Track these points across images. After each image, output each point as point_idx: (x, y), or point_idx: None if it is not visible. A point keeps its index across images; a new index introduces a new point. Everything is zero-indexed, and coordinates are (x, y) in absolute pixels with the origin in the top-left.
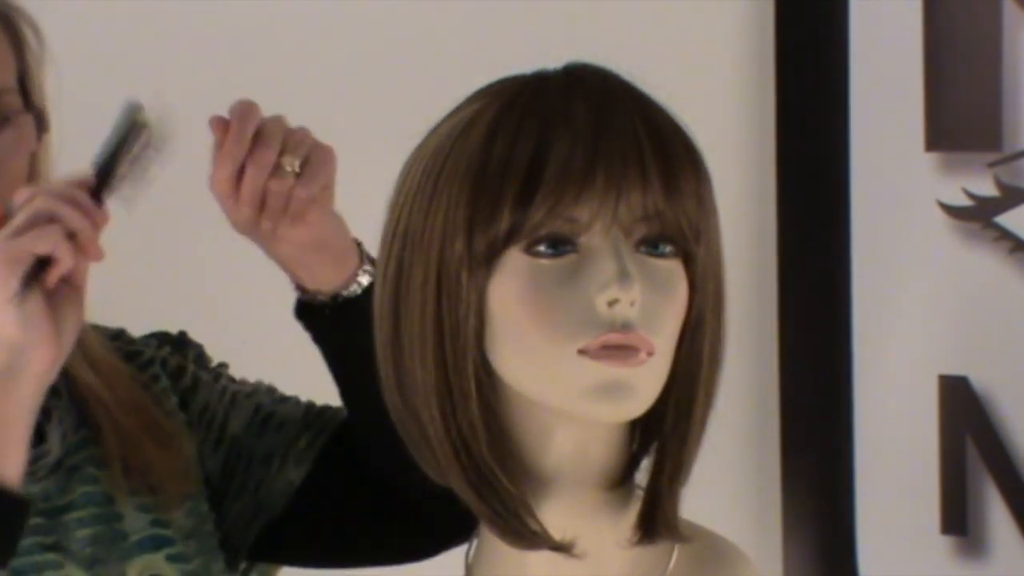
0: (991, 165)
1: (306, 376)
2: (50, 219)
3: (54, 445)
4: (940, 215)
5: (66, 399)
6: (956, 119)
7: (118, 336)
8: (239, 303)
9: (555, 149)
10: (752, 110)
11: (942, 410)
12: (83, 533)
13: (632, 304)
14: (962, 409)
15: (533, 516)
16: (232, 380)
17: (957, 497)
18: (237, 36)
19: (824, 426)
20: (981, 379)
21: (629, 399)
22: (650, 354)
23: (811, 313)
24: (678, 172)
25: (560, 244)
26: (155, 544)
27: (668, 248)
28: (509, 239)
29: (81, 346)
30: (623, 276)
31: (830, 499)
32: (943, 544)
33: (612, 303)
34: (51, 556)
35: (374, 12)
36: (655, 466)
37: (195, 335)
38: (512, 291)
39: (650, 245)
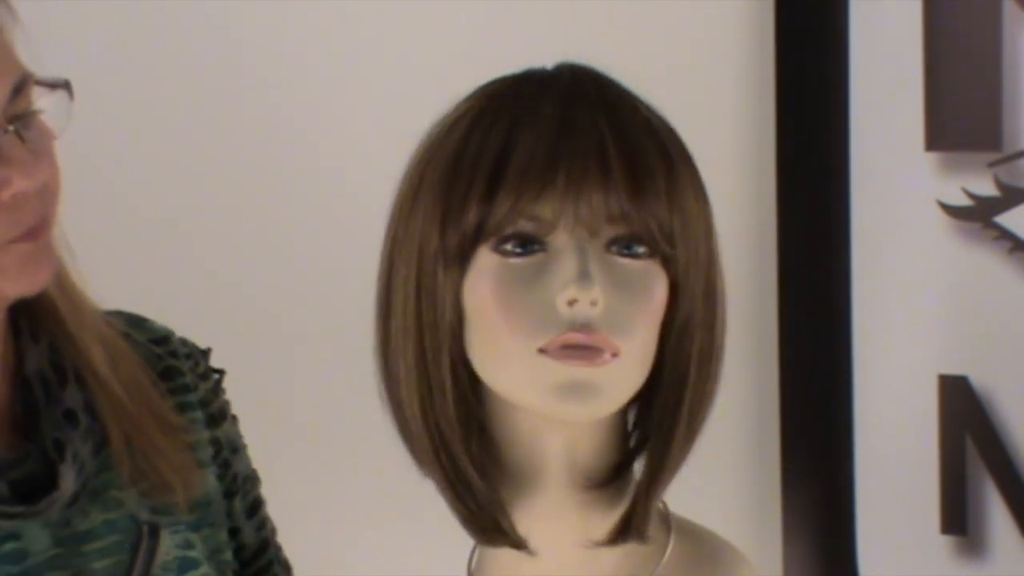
0: (991, 165)
1: (305, 375)
2: None
3: (67, 486)
4: (940, 215)
5: (84, 423)
6: (956, 119)
7: (163, 341)
8: (236, 302)
9: (519, 147)
10: (752, 110)
11: (942, 410)
12: (103, 563)
13: (594, 304)
14: (962, 409)
15: (505, 515)
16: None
17: (957, 497)
18: (238, 37)
19: (824, 426)
20: (981, 379)
21: (593, 399)
22: (615, 355)
23: (811, 313)
24: (645, 174)
25: (528, 243)
26: (181, 568)
27: (642, 249)
28: (478, 236)
29: (99, 335)
30: (582, 276)
31: (830, 499)
32: (943, 544)
33: (572, 303)
34: None
35: (375, 12)
36: (643, 468)
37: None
38: (482, 289)
39: (622, 245)
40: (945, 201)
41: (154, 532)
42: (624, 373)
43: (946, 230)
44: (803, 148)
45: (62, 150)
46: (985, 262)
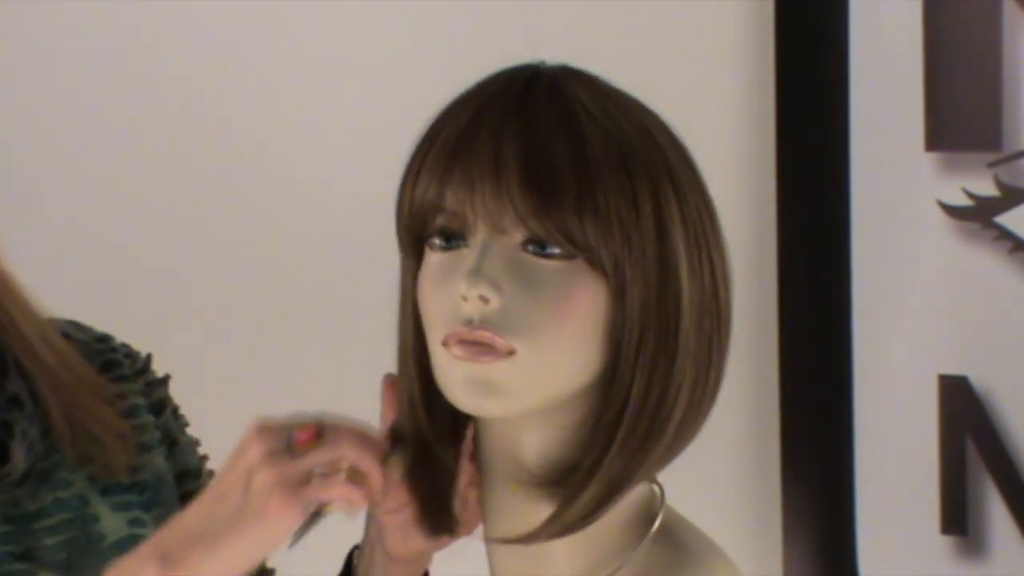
0: (991, 165)
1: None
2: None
3: (19, 461)
4: (940, 215)
5: (29, 407)
6: (956, 119)
7: (103, 339)
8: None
9: (435, 145)
10: (752, 110)
11: (942, 410)
12: (55, 540)
13: (484, 300)
14: (962, 409)
15: (448, 505)
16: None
17: (957, 497)
18: (238, 37)
19: (824, 426)
20: (981, 379)
21: (493, 395)
22: (510, 353)
23: (811, 313)
24: (545, 179)
25: (452, 239)
26: (134, 544)
27: (556, 250)
28: (412, 228)
29: (36, 321)
30: (471, 272)
31: (830, 499)
32: (943, 544)
33: (464, 298)
34: (20, 565)
35: (377, 13)
36: (576, 472)
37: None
38: (421, 281)
39: (537, 245)
40: (945, 201)
41: None
42: (526, 372)
43: (946, 230)
44: (803, 148)
45: (52, 156)
46: (985, 262)
